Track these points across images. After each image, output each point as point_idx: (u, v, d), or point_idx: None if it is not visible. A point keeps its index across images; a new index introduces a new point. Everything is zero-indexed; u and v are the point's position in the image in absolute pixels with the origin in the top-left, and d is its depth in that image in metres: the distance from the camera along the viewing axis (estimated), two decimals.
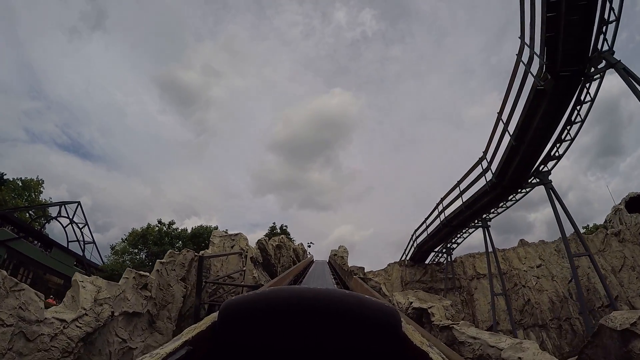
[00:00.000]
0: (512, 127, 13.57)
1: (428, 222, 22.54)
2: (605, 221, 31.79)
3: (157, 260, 9.57)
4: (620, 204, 29.93)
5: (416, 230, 24.64)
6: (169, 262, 9.64)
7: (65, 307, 7.10)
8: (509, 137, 13.59)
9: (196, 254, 10.35)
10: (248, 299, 1.03)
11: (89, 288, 7.34)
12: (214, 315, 1.11)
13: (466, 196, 18.05)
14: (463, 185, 18.02)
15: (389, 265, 26.46)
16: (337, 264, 26.22)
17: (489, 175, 15.65)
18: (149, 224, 36.68)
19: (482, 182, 16.48)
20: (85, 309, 6.95)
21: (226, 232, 16.44)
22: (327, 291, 1.02)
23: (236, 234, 13.91)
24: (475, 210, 18.09)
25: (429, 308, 8.49)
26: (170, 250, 10.43)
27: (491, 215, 19.68)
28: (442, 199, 20.21)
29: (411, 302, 9.34)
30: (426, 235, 22.70)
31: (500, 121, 13.94)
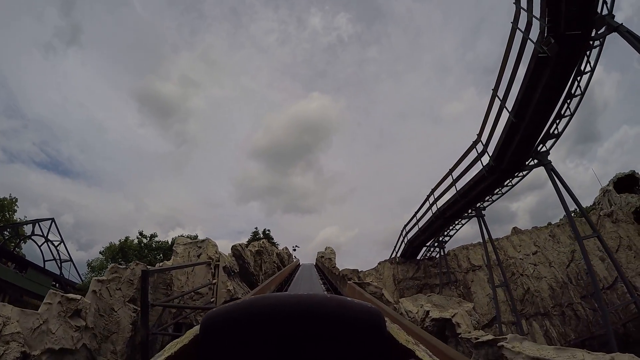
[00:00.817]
0: (509, 104, 12.28)
1: (419, 215, 21.17)
2: (594, 203, 31.24)
3: (94, 279, 7.57)
4: (608, 185, 29.40)
5: (406, 225, 23.26)
6: (111, 280, 7.62)
7: None
8: (507, 115, 12.26)
9: (147, 267, 8.41)
10: (230, 309, 1.00)
11: None
12: (196, 329, 1.06)
13: (460, 184, 16.71)
14: (456, 173, 16.66)
15: (379, 263, 24.98)
16: (325, 266, 24.56)
17: (485, 159, 14.32)
18: (127, 237, 34.31)
19: (477, 168, 15.18)
20: None
21: (193, 239, 14.64)
22: (308, 296, 1.00)
23: (203, 240, 11.93)
24: (470, 199, 16.78)
25: (452, 317, 6.92)
26: (112, 265, 8.43)
27: (485, 204, 18.41)
28: (434, 190, 18.83)
29: (427, 312, 7.74)
30: (417, 229, 21.31)
31: (496, 97, 12.58)
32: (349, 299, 1.02)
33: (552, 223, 26.42)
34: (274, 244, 34.29)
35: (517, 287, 22.70)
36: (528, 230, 24.80)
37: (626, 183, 28.48)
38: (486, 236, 18.51)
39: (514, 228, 24.89)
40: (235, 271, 14.48)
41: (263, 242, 24.32)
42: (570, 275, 22.98)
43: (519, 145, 12.72)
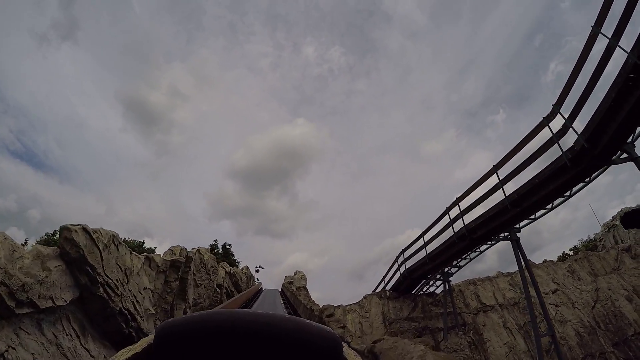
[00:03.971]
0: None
1: (427, 237, 15.91)
2: (594, 240, 28.19)
3: None
4: (614, 220, 26.46)
5: (404, 251, 17.84)
6: None
7: None
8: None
9: None
10: (186, 320, 0.98)
11: None
12: (150, 337, 1.05)
13: (509, 189, 11.70)
14: (504, 171, 11.66)
15: (364, 297, 19.16)
16: (293, 295, 18.28)
17: (568, 141, 9.47)
18: None
19: (547, 158, 10.27)
20: None
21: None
22: (267, 315, 0.99)
23: None
24: (522, 210, 11.79)
25: None
26: None
27: (522, 223, 13.55)
28: (459, 200, 13.71)
29: None
30: (424, 255, 15.95)
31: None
32: (307, 321, 1.01)
33: (569, 256, 22.38)
34: (233, 262, 27.39)
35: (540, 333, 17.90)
36: (543, 264, 20.45)
37: (633, 218, 25.63)
38: (523, 264, 13.52)
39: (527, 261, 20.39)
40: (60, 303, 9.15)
41: (196, 250, 18.21)
42: (597, 318, 18.69)
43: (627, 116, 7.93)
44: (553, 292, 19.18)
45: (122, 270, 12.16)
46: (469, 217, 13.88)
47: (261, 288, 27.57)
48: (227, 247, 29.28)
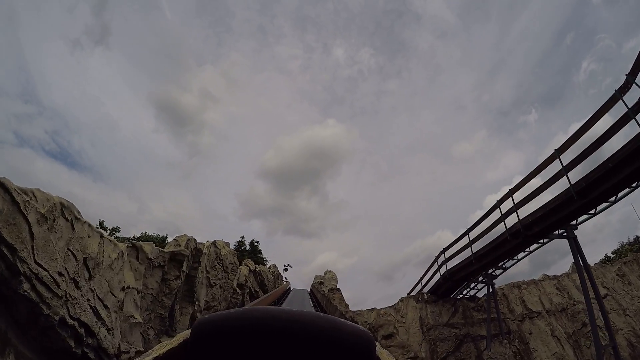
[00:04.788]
0: None
1: (473, 235, 14.90)
2: (633, 242, 26.64)
3: None
4: None
5: (445, 250, 16.81)
6: None
7: None
8: None
9: None
10: (222, 317, 1.00)
11: None
12: (187, 333, 1.07)
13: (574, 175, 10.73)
14: (567, 157, 10.71)
15: (401, 300, 18.11)
16: (325, 299, 17.32)
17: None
18: None
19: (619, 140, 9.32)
20: None
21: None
22: (301, 313, 1.01)
23: None
24: (588, 202, 10.80)
25: None
26: None
27: (580, 219, 12.50)
28: (512, 192, 12.74)
29: None
30: (470, 255, 14.91)
31: None
32: (341, 320, 1.01)
33: (618, 259, 21.02)
34: (261, 260, 26.40)
35: (589, 342, 16.61)
36: (592, 267, 19.13)
37: None
38: (581, 264, 12.47)
39: (573, 263, 19.12)
40: None
41: (213, 243, 16.43)
42: None
43: None
44: (603, 298, 17.85)
45: (77, 260, 8.33)
46: (522, 212, 12.92)
47: (289, 288, 26.60)
48: (255, 244, 28.30)
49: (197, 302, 14.59)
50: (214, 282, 16.45)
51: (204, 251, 15.12)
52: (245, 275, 19.52)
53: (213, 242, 16.58)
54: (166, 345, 1.10)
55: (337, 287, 17.74)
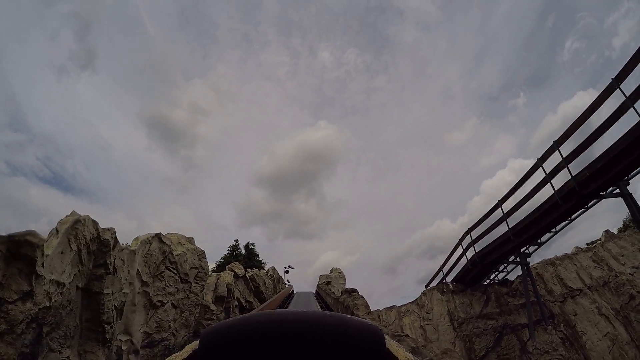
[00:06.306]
0: None
1: (507, 206, 12.56)
2: None
3: None
4: None
5: (471, 230, 14.41)
6: None
7: None
8: None
9: None
10: (229, 324, 1.01)
11: None
12: (195, 344, 1.08)
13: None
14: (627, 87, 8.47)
15: (423, 294, 15.54)
16: (342, 306, 14.54)
17: None
18: None
19: None
20: None
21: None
22: (307, 313, 1.02)
23: None
24: None
25: None
26: None
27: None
28: (558, 144, 10.43)
29: None
30: (506, 230, 12.54)
31: None
32: (348, 316, 1.02)
33: None
34: (258, 263, 23.39)
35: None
36: (625, 233, 17.27)
37: None
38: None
39: (605, 232, 17.18)
40: None
41: (157, 237, 10.48)
42: None
43: None
44: None
45: None
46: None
47: (292, 292, 23.74)
48: (251, 247, 25.26)
49: (117, 340, 8.32)
50: (160, 301, 10.32)
51: (132, 249, 9.33)
52: (228, 284, 15.89)
53: (156, 234, 10.58)
54: (176, 357, 1.07)
55: (350, 287, 15.00)
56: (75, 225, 7.06)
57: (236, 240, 25.10)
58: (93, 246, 7.56)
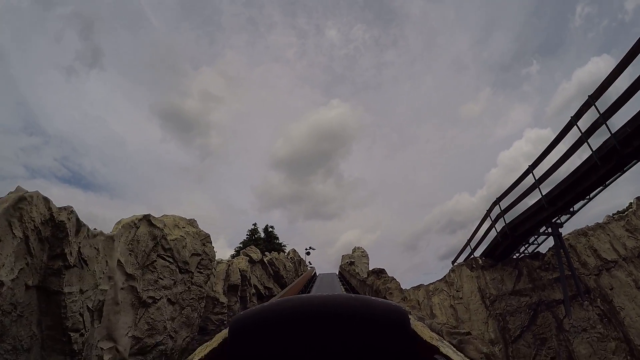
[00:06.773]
0: None
1: (538, 170, 11.95)
2: None
3: None
4: None
5: (500, 200, 13.82)
6: None
7: None
8: None
9: None
10: (256, 312, 1.04)
11: None
12: (225, 332, 1.10)
13: None
14: None
15: (452, 271, 15.01)
16: (364, 284, 14.08)
17: None
18: None
19: None
20: None
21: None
22: (333, 297, 1.05)
23: None
24: None
25: None
26: None
27: None
28: (593, 98, 9.79)
29: None
30: (540, 198, 11.93)
31: None
32: (372, 297, 1.05)
33: None
34: (279, 246, 23.01)
35: None
36: None
37: None
38: None
39: (637, 198, 16.43)
40: None
41: (147, 219, 8.75)
42: None
43: None
44: None
45: None
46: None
47: (315, 274, 23.25)
48: (270, 229, 24.81)
49: (97, 349, 6.80)
50: (152, 297, 8.63)
51: (110, 235, 7.45)
52: (242, 270, 14.11)
53: (144, 216, 8.82)
54: (207, 347, 1.11)
55: (377, 267, 14.51)
56: (19, 205, 5.34)
57: (255, 224, 24.57)
58: (46, 232, 5.74)
